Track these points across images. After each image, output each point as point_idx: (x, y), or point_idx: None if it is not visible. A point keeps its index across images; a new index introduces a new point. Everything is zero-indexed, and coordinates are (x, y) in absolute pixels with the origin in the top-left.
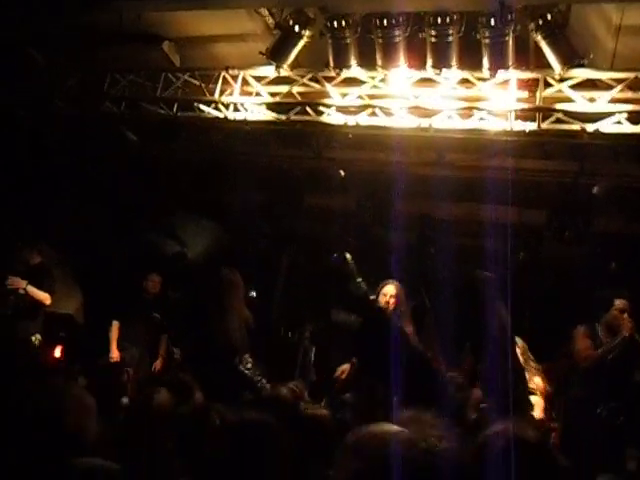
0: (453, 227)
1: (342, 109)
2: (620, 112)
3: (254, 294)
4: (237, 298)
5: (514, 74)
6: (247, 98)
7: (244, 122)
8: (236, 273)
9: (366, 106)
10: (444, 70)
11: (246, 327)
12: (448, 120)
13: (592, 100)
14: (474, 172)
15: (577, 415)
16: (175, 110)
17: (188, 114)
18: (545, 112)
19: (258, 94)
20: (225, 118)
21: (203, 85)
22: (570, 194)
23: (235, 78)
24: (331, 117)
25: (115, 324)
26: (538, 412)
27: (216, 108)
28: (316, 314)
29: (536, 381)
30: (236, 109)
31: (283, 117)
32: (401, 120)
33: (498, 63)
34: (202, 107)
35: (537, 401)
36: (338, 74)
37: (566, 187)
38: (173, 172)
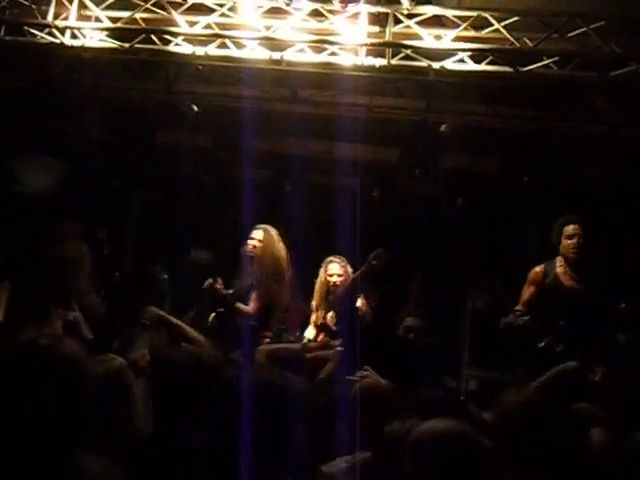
0: (309, 164)
1: (190, 38)
2: (464, 50)
3: (104, 235)
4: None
5: (365, 8)
6: (85, 23)
7: (82, 49)
8: (81, 246)
9: (215, 36)
10: (294, 1)
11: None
12: (300, 53)
13: (438, 38)
14: (328, 109)
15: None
16: (2, 33)
17: (18, 39)
18: (394, 48)
19: (98, 19)
20: (61, 44)
21: (34, 6)
22: (420, 132)
23: (70, 1)
24: (179, 47)
25: None
26: None
27: (50, 33)
28: (172, 256)
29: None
30: (74, 35)
31: (126, 45)
32: (252, 52)
33: None
34: (34, 31)
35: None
36: (184, 0)
37: (416, 125)
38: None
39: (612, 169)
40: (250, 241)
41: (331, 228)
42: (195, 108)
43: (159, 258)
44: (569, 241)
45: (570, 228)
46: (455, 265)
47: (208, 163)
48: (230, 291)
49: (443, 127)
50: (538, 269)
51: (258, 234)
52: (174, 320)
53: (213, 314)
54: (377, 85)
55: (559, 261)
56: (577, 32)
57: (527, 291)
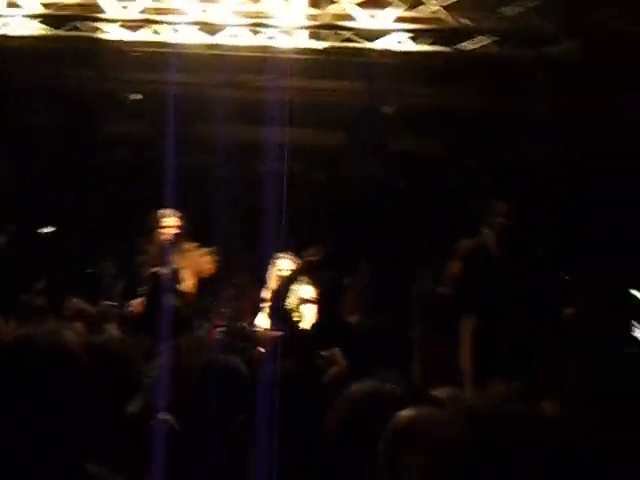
0: (249, 150)
1: (123, 24)
2: (402, 31)
3: (50, 230)
4: None
5: None
6: (13, 10)
7: (9, 37)
8: None
9: (149, 21)
10: None
11: None
12: (236, 37)
13: (376, 18)
14: (266, 93)
15: None
16: None
17: None
18: (333, 30)
19: (27, 5)
20: None
21: None
22: (364, 115)
23: None
24: (111, 34)
25: None
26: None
27: None
28: (121, 247)
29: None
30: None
31: (60, 32)
32: (187, 37)
33: None
34: None
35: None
36: None
37: (360, 107)
38: None
39: (555, 147)
40: (168, 229)
41: (275, 213)
42: (134, 96)
43: (107, 249)
44: (499, 218)
45: (500, 205)
46: (403, 247)
47: (151, 151)
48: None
49: (387, 109)
50: (469, 243)
51: (172, 220)
52: (93, 311)
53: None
54: (317, 68)
55: (489, 235)
56: (514, 11)
57: (456, 266)
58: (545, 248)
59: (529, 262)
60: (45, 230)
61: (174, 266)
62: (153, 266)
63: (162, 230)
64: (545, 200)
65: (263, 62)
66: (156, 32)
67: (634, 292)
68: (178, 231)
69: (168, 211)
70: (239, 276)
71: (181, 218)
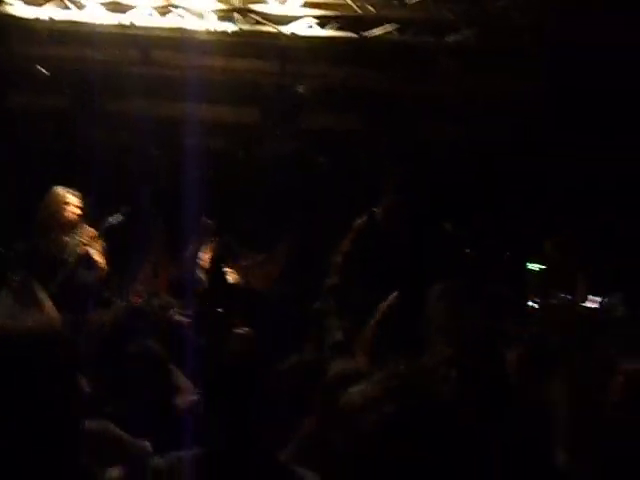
0: (169, 127)
1: (29, 1)
2: (309, 16)
3: None
4: None
5: None
6: None
7: None
8: None
9: None
10: None
11: None
12: (147, 17)
13: (285, 2)
14: (183, 71)
15: None
16: None
17: None
18: (242, 13)
19: None
20: None
21: None
22: (278, 93)
23: None
24: (17, 9)
25: None
26: None
27: None
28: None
29: None
30: None
31: None
32: (98, 16)
33: None
34: None
35: None
36: None
37: (275, 86)
38: None
39: (461, 130)
40: (71, 207)
41: (195, 190)
42: (44, 71)
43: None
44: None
45: (390, 182)
46: (320, 224)
47: (64, 126)
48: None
49: (300, 87)
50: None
51: (74, 199)
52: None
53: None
54: (232, 48)
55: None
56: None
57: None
58: (454, 224)
59: (426, 236)
60: None
61: (84, 244)
62: (62, 246)
63: (66, 209)
64: (454, 179)
65: (177, 40)
66: (64, 8)
67: (532, 266)
68: (80, 211)
69: (69, 190)
70: (156, 254)
71: (81, 198)
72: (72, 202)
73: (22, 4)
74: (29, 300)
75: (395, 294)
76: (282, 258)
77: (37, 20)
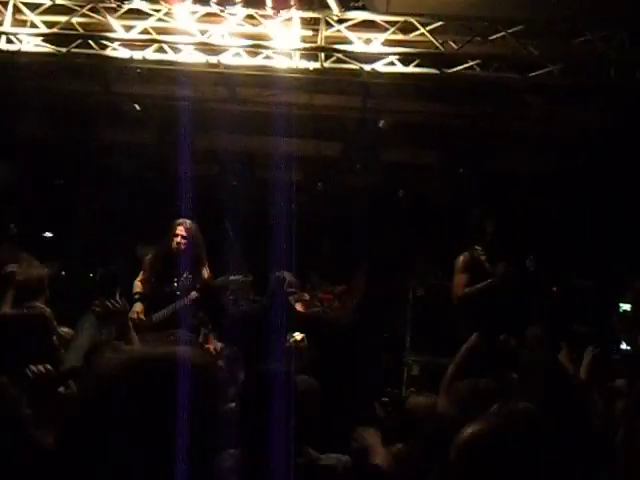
0: (253, 160)
1: (127, 43)
2: (392, 54)
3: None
4: None
5: (297, 13)
6: (21, 29)
7: (19, 54)
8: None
9: (152, 41)
10: (228, 7)
11: None
12: (236, 57)
13: (368, 41)
14: (268, 107)
15: None
16: None
17: None
18: (327, 52)
19: (33, 24)
20: None
21: None
22: (359, 128)
23: (5, 5)
24: (116, 51)
25: None
26: None
27: None
28: (119, 252)
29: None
30: (9, 40)
31: (63, 50)
32: (189, 56)
33: (281, 2)
34: None
35: None
36: (120, 6)
37: (355, 121)
38: None
39: (542, 162)
40: (178, 237)
41: (275, 221)
42: (137, 107)
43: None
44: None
45: (486, 222)
46: (397, 255)
47: (153, 160)
48: None
49: (382, 123)
50: (462, 257)
51: (182, 226)
52: None
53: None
54: (315, 85)
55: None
56: (497, 35)
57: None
58: (534, 260)
59: (519, 275)
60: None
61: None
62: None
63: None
64: (532, 212)
65: (262, 79)
66: (159, 50)
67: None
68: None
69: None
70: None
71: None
72: (180, 231)
73: (120, 46)
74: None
75: (476, 335)
76: (359, 289)
77: (131, 60)
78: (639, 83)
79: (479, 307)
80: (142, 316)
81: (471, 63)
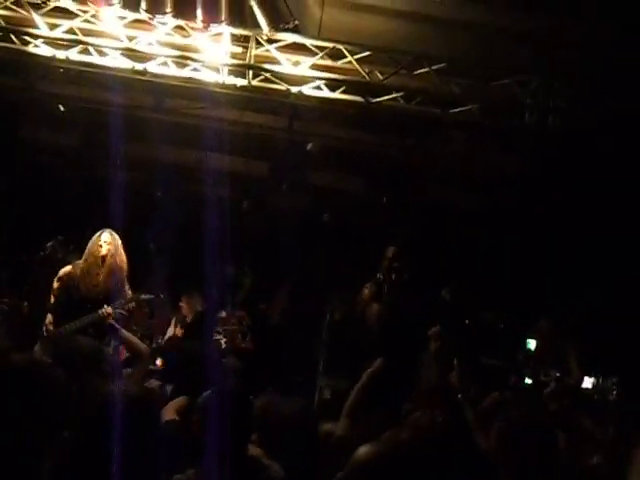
0: (180, 173)
1: (51, 41)
2: (320, 78)
3: None
4: None
5: (227, 29)
6: None
7: None
8: None
9: (77, 41)
10: (158, 15)
11: None
12: (163, 67)
13: (297, 64)
14: (197, 120)
15: None
16: None
17: None
18: (255, 70)
19: None
20: None
21: None
22: (287, 149)
23: None
24: (39, 49)
25: None
26: None
27: None
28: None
29: None
30: None
31: None
32: (114, 61)
33: (211, 16)
34: None
35: None
36: (45, 3)
37: (284, 142)
38: None
39: (464, 198)
40: (101, 248)
41: (201, 236)
42: (61, 107)
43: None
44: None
45: (390, 250)
46: (318, 278)
47: (76, 162)
48: None
49: (309, 146)
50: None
51: (107, 237)
52: None
53: None
54: (246, 102)
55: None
56: (422, 71)
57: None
58: (452, 292)
59: (427, 305)
60: None
61: None
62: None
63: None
64: (453, 245)
65: (191, 90)
66: (84, 52)
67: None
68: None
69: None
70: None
71: None
72: (105, 240)
73: (44, 44)
74: None
75: (380, 360)
76: (280, 305)
77: (54, 59)
78: (552, 129)
79: (385, 333)
80: (50, 327)
81: (395, 95)
